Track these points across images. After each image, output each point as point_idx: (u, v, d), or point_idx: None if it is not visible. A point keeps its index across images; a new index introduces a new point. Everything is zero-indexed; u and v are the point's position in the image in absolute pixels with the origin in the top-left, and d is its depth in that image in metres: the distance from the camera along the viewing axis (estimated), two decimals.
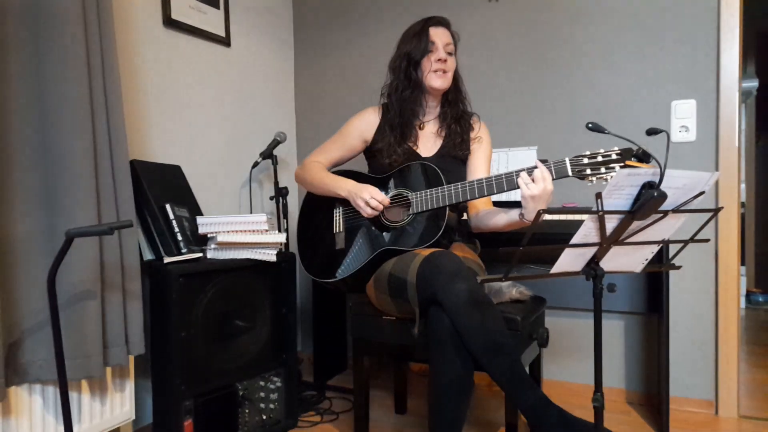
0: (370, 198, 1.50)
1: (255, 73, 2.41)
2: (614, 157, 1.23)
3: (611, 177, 1.20)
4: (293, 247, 2.49)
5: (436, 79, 1.58)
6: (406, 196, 1.54)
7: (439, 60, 1.57)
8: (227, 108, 2.24)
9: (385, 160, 1.61)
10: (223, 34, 2.19)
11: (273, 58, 2.53)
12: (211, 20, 2.13)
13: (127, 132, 1.53)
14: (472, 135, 1.68)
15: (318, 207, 1.71)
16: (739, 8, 1.87)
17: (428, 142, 1.67)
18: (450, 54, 1.60)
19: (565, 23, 2.12)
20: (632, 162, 1.19)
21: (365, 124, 1.70)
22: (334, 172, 1.70)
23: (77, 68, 1.36)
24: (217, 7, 2.16)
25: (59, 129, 1.34)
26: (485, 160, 1.69)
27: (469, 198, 1.43)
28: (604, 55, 2.07)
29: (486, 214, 1.58)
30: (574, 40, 2.11)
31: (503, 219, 1.49)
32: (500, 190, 1.39)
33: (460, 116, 1.66)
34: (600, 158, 1.24)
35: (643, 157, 1.15)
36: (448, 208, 1.48)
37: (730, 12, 1.88)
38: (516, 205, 1.72)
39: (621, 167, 1.21)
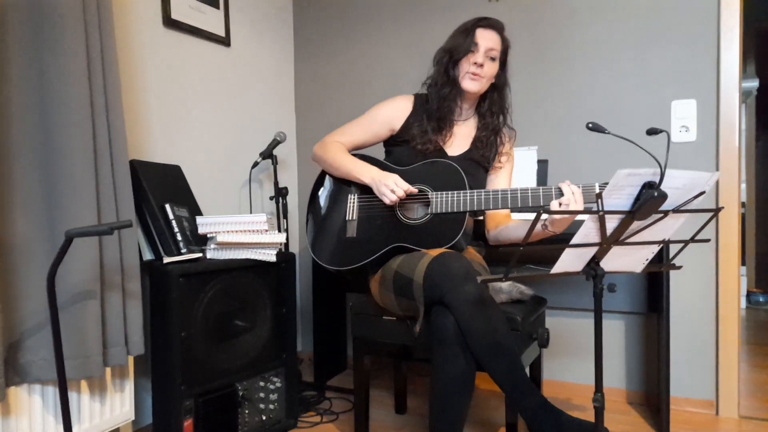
0: (395, 186, 1.45)
1: (255, 73, 2.40)
2: None
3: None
4: (293, 247, 2.49)
5: (468, 82, 1.53)
6: (426, 193, 1.51)
7: (475, 63, 1.51)
8: (227, 108, 2.24)
9: (417, 146, 1.56)
10: (223, 34, 2.18)
11: (273, 58, 2.53)
12: (210, 20, 2.12)
13: (126, 132, 1.53)
14: (502, 150, 1.64)
15: (332, 190, 1.66)
16: (739, 8, 1.87)
17: (457, 141, 1.62)
18: (492, 59, 1.54)
19: (565, 23, 2.12)
20: None
21: (396, 112, 1.64)
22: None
23: (77, 68, 1.36)
24: (217, 7, 2.16)
25: (59, 129, 1.34)
26: (508, 176, 1.66)
27: (491, 207, 1.41)
28: (604, 54, 2.06)
29: (506, 228, 1.55)
30: (574, 40, 2.11)
31: (523, 230, 1.47)
32: (524, 205, 1.36)
33: (496, 130, 1.61)
34: None
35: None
36: (467, 214, 1.45)
37: (729, 12, 1.88)
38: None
39: None
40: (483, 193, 1.42)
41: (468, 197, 1.43)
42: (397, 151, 1.63)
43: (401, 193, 1.45)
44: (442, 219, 1.47)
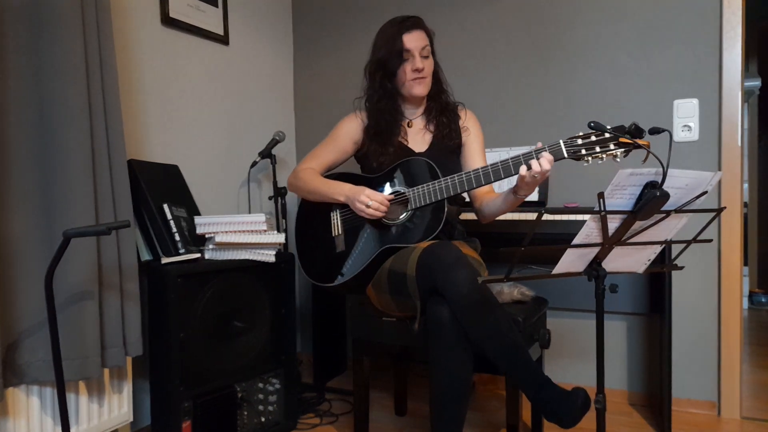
0: (369, 200, 1.48)
1: (254, 72, 2.40)
2: (607, 135, 1.23)
3: (606, 156, 1.23)
4: (292, 248, 2.48)
5: (416, 87, 1.58)
6: (404, 193, 1.53)
7: (415, 70, 1.55)
8: (226, 107, 2.23)
9: (373, 165, 1.61)
10: (221, 32, 2.18)
11: (272, 57, 2.52)
12: (209, 18, 2.12)
13: (124, 131, 1.52)
14: (460, 124, 1.67)
15: (314, 211, 1.70)
16: (741, 7, 1.86)
17: (418, 137, 1.66)
18: (426, 57, 1.57)
19: (566, 23, 2.11)
20: (626, 139, 1.20)
21: (354, 125, 1.69)
22: (327, 176, 1.69)
23: (75, 67, 1.35)
24: (216, 5, 2.15)
25: (57, 128, 1.33)
26: (478, 149, 1.68)
27: (466, 188, 1.43)
28: (606, 54, 2.05)
29: (489, 205, 1.57)
30: (575, 39, 2.10)
31: (504, 204, 1.49)
32: (497, 178, 1.39)
33: (445, 107, 1.65)
34: (593, 137, 1.25)
35: (636, 132, 1.17)
36: (447, 201, 1.48)
37: (732, 11, 1.87)
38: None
39: (615, 144, 1.22)
40: (456, 177, 1.44)
41: (443, 184, 1.46)
42: (367, 162, 1.66)
43: (376, 205, 1.48)
44: (424, 211, 1.51)
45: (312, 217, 1.70)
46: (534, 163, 1.29)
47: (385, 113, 1.61)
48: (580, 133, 1.28)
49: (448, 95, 1.68)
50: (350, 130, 1.70)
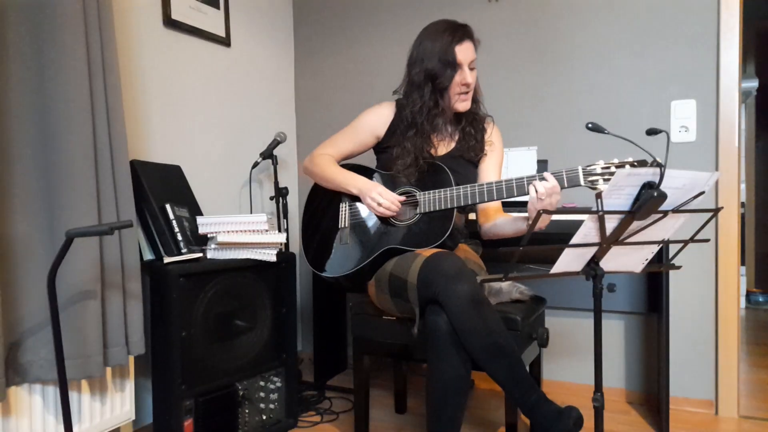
0: (380, 198, 1.48)
1: (255, 73, 2.41)
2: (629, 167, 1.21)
3: None
4: (293, 247, 2.50)
5: (460, 103, 1.54)
6: (414, 195, 1.53)
7: (464, 84, 1.51)
8: (227, 108, 2.24)
9: (391, 162, 1.58)
10: (223, 34, 2.18)
11: (273, 58, 2.53)
12: (211, 20, 2.12)
13: (127, 132, 1.53)
14: (486, 137, 1.64)
15: (324, 199, 1.69)
16: (739, 8, 1.87)
17: (442, 142, 1.63)
18: (473, 69, 1.54)
19: (565, 23, 2.12)
20: None
21: (378, 119, 1.65)
22: (342, 167, 1.66)
23: (77, 68, 1.36)
24: (217, 7, 2.16)
25: (59, 129, 1.34)
26: (497, 165, 1.66)
27: (477, 201, 1.42)
28: (604, 54, 2.06)
29: (495, 226, 1.56)
30: (573, 40, 2.11)
31: (512, 228, 1.49)
32: (510, 195, 1.37)
33: (474, 118, 1.62)
34: (614, 169, 1.23)
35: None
36: (455, 210, 1.47)
37: (729, 12, 1.88)
38: (522, 204, 1.72)
39: None
40: (469, 188, 1.43)
41: (454, 193, 1.45)
42: (384, 158, 1.64)
43: (387, 204, 1.48)
44: (431, 217, 1.49)
45: (321, 204, 1.69)
46: (538, 184, 1.29)
47: (438, 128, 1.57)
48: (601, 162, 1.25)
49: (480, 106, 1.63)
50: (374, 123, 1.65)
